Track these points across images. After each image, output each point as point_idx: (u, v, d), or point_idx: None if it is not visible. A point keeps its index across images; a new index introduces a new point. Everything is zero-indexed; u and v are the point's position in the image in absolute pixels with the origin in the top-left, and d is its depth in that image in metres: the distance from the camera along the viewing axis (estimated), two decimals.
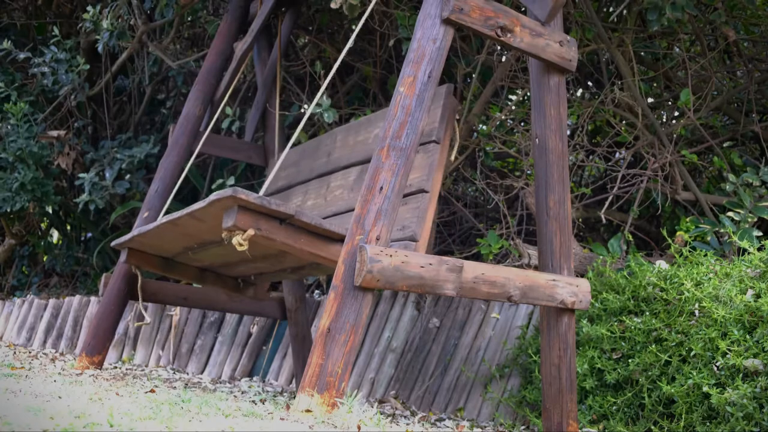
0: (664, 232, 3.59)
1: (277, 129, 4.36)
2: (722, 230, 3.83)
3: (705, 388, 2.88)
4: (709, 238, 3.90)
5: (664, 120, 5.11)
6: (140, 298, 3.77)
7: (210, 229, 2.92)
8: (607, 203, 4.28)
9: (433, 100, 3.06)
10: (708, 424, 2.92)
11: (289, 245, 2.69)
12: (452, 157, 3.09)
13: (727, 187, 4.03)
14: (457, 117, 3.16)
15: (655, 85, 5.09)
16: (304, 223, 2.67)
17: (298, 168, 4.00)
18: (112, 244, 3.63)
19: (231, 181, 4.96)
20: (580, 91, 5.24)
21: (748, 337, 2.93)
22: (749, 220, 3.86)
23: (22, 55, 5.47)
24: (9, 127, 5.51)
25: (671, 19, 3.63)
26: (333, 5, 3.26)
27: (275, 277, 3.81)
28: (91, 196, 5.27)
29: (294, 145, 4.85)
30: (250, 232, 2.59)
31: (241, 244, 2.59)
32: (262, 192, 2.92)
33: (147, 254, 3.60)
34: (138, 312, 4.94)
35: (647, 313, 3.24)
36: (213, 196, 2.57)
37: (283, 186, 4.07)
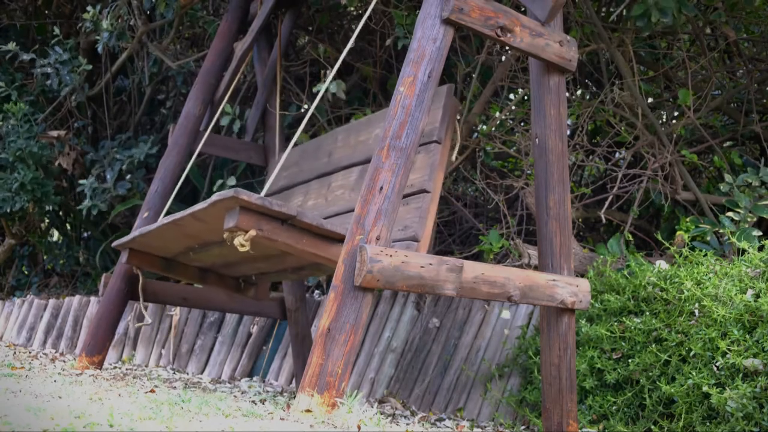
0: (659, 236, 3.59)
1: (278, 129, 4.36)
2: (722, 230, 3.83)
3: (705, 388, 2.88)
4: (708, 238, 3.90)
5: (664, 120, 5.11)
6: (141, 299, 3.77)
7: (212, 229, 2.92)
8: (607, 203, 4.28)
9: (433, 101, 3.06)
10: (708, 424, 2.92)
11: (290, 246, 2.69)
12: (453, 157, 3.09)
13: (722, 187, 4.03)
14: (458, 117, 3.16)
15: (655, 85, 5.09)
16: (306, 224, 2.67)
17: (299, 168, 4.00)
18: (114, 244, 3.62)
19: (232, 181, 4.95)
20: (580, 91, 5.24)
21: (748, 336, 2.93)
22: (749, 219, 3.86)
23: (26, 57, 5.47)
24: (9, 127, 5.51)
25: (675, 20, 3.63)
26: None
27: (276, 277, 3.81)
28: (92, 201, 5.27)
29: (296, 144, 4.85)
30: (252, 232, 2.59)
31: (242, 245, 2.59)
32: (263, 192, 2.92)
33: (148, 255, 3.60)
34: (138, 312, 4.94)
35: (647, 313, 3.24)
36: (215, 197, 2.57)
37: (284, 186, 4.07)
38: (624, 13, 4.56)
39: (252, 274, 3.73)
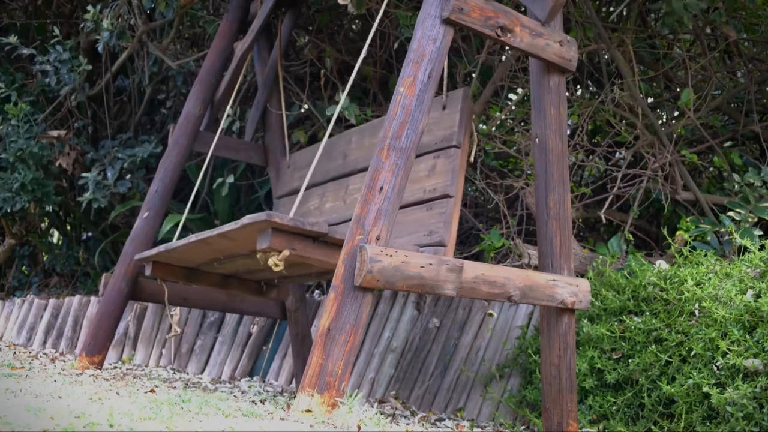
0: (665, 232, 3.59)
1: (285, 129, 4.37)
2: (722, 230, 3.83)
3: (705, 388, 2.88)
4: (709, 238, 3.90)
5: (664, 120, 5.10)
6: (168, 308, 3.81)
7: (240, 245, 2.94)
8: (607, 203, 4.28)
9: (450, 105, 3.06)
10: (708, 424, 2.92)
11: (322, 261, 2.73)
12: (471, 158, 3.08)
13: (735, 186, 4.03)
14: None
15: (655, 85, 5.09)
16: (338, 240, 2.69)
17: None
18: (136, 257, 3.63)
19: (230, 179, 4.93)
20: (580, 91, 5.24)
21: (748, 337, 2.93)
22: (750, 219, 3.86)
23: (26, 51, 5.46)
24: (9, 128, 5.51)
25: (682, 19, 3.63)
26: (341, 0, 3.26)
27: (300, 281, 3.84)
28: (94, 194, 5.28)
29: (296, 146, 4.86)
30: (286, 252, 2.63)
31: (277, 265, 2.63)
32: (295, 205, 2.94)
33: (172, 266, 3.63)
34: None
35: (647, 313, 3.24)
36: (246, 219, 2.60)
37: (297, 187, 4.07)
38: (626, 11, 4.57)
39: (275, 278, 3.75)
